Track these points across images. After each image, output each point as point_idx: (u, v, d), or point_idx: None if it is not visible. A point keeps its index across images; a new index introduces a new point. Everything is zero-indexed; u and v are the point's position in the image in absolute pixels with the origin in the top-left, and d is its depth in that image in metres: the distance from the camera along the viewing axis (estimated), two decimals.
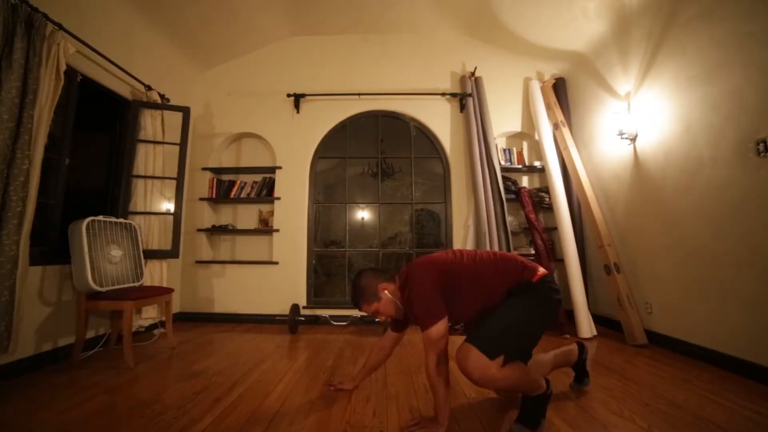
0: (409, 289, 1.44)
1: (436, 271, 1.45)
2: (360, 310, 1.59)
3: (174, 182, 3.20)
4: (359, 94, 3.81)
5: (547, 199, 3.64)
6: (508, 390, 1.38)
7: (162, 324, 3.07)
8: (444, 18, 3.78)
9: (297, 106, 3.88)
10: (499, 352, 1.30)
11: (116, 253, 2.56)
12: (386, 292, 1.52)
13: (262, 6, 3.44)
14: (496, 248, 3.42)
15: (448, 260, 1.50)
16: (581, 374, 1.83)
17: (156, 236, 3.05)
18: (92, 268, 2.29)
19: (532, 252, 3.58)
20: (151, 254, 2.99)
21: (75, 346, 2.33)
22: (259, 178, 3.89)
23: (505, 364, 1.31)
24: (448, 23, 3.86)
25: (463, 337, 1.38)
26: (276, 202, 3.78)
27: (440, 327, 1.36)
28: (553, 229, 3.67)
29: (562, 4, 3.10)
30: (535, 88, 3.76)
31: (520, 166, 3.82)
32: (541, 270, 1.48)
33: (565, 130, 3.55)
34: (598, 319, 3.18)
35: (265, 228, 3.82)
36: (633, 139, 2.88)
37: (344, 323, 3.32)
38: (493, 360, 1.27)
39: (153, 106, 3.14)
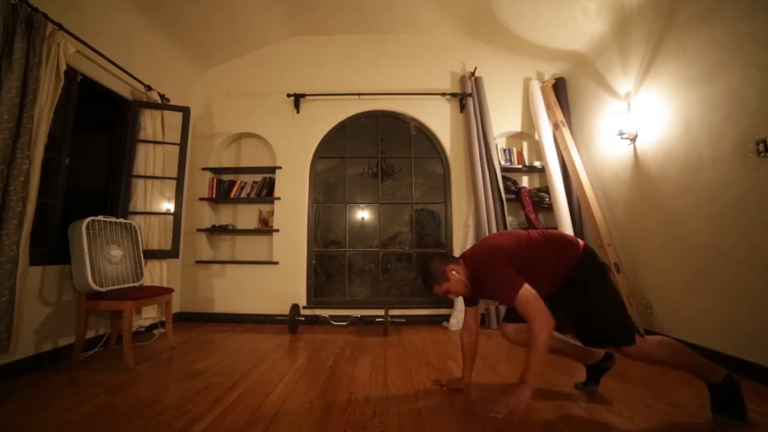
0: (482, 274, 1.57)
1: (504, 257, 1.56)
2: (432, 291, 1.70)
3: (174, 182, 3.20)
4: (359, 94, 3.81)
5: (547, 199, 3.64)
6: (674, 366, 1.50)
7: (162, 324, 3.07)
8: (444, 18, 3.78)
9: (297, 106, 3.88)
10: (631, 332, 1.44)
11: (116, 253, 2.56)
12: (454, 272, 1.64)
13: (262, 6, 3.44)
14: None
15: (511, 248, 1.60)
16: (593, 379, 1.82)
17: (156, 236, 3.05)
18: (92, 268, 2.29)
19: None
20: (151, 254, 2.99)
21: (75, 346, 2.33)
22: (259, 178, 3.89)
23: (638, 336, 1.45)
24: (448, 23, 3.86)
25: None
26: (276, 202, 3.78)
27: (528, 289, 1.45)
28: (553, 229, 3.66)
29: (562, 4, 3.10)
30: (535, 88, 3.76)
31: (520, 166, 3.82)
32: (580, 241, 1.63)
33: (565, 130, 3.55)
34: None
35: (265, 228, 3.83)
36: (633, 139, 2.88)
37: (344, 323, 3.32)
38: (636, 342, 1.43)
39: (153, 106, 3.14)
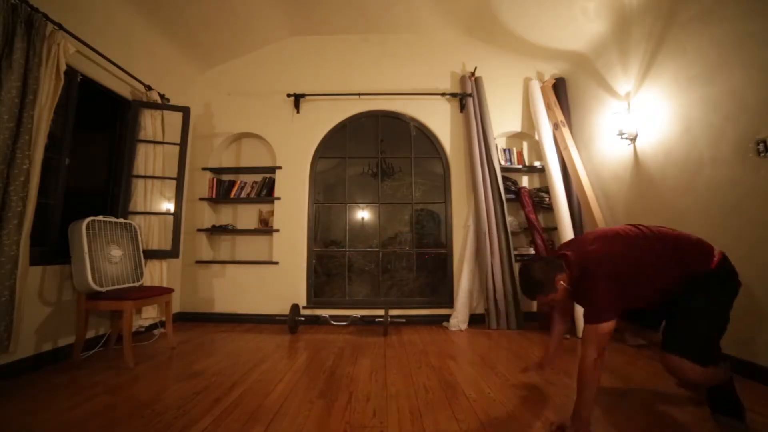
0: (587, 281, 1.45)
1: (616, 266, 1.44)
2: (533, 299, 1.63)
3: (174, 182, 3.20)
4: (359, 94, 3.81)
5: (547, 199, 3.64)
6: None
7: (162, 324, 3.07)
8: (444, 18, 3.78)
9: (297, 106, 3.88)
10: (711, 361, 1.39)
11: (116, 253, 2.55)
12: (562, 282, 1.51)
13: (262, 6, 3.44)
14: (496, 248, 3.42)
15: (626, 253, 1.46)
16: None
17: (156, 236, 3.05)
18: (92, 268, 2.29)
19: (532, 252, 3.58)
20: (151, 254, 2.99)
21: (75, 346, 2.33)
22: (259, 178, 3.89)
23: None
24: (448, 23, 3.86)
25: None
26: (276, 202, 3.78)
27: (610, 325, 1.38)
28: (553, 229, 3.67)
29: (562, 4, 3.10)
30: (535, 88, 3.76)
31: (520, 166, 3.82)
32: (716, 251, 1.46)
33: (565, 130, 3.55)
34: None
35: (265, 228, 3.82)
36: (633, 139, 2.88)
37: (344, 323, 3.32)
38: (707, 368, 1.37)
39: (153, 106, 3.14)
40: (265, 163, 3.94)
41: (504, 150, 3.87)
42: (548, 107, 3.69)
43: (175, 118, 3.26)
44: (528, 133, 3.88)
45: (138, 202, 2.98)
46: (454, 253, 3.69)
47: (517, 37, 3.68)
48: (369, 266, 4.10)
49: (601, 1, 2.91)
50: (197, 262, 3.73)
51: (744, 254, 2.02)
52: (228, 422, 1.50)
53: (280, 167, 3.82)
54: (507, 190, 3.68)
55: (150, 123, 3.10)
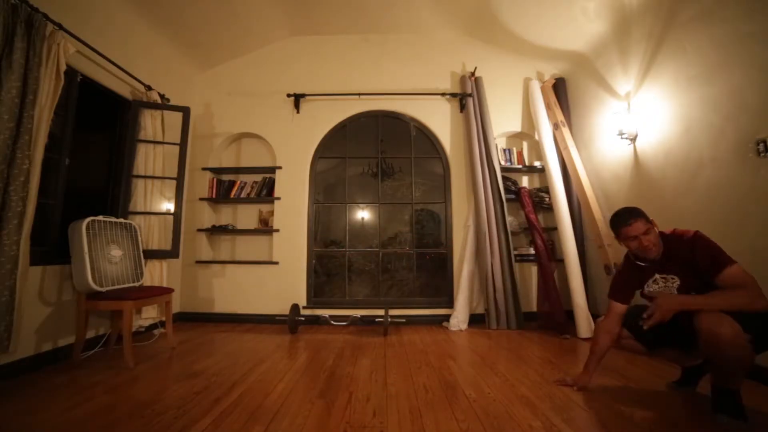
0: (696, 247, 1.58)
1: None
2: (631, 223, 1.68)
3: (174, 182, 3.20)
4: (359, 94, 3.81)
5: (547, 199, 3.64)
6: (731, 367, 1.42)
7: (162, 324, 3.07)
8: (444, 18, 3.78)
9: (297, 106, 3.88)
10: (752, 331, 1.37)
11: (116, 253, 2.55)
12: (655, 228, 1.69)
13: (262, 6, 3.44)
14: (496, 248, 3.42)
15: None
16: (691, 380, 1.83)
17: (156, 236, 3.05)
18: (92, 268, 2.29)
19: (532, 252, 3.58)
20: (151, 254, 2.99)
21: (75, 346, 2.33)
22: (259, 178, 3.89)
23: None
24: (448, 23, 3.86)
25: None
26: (276, 202, 3.78)
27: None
28: (553, 229, 3.67)
29: (562, 4, 3.10)
30: (535, 88, 3.76)
31: (520, 166, 3.82)
32: None
33: (565, 130, 3.55)
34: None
35: (265, 228, 3.83)
36: (633, 139, 2.89)
37: (344, 323, 3.32)
38: (747, 333, 1.36)
39: (153, 106, 3.14)
40: (265, 163, 3.94)
41: (504, 150, 3.87)
42: (548, 107, 3.69)
43: (175, 118, 3.26)
44: (528, 133, 3.88)
45: (138, 202, 2.98)
46: (454, 253, 3.70)
47: (517, 37, 3.68)
48: (369, 266, 4.10)
49: (601, 1, 2.91)
50: (197, 262, 3.73)
51: (744, 254, 2.02)
52: (228, 422, 1.50)
53: (280, 167, 3.82)
54: (507, 190, 3.68)
55: (150, 123, 3.10)
